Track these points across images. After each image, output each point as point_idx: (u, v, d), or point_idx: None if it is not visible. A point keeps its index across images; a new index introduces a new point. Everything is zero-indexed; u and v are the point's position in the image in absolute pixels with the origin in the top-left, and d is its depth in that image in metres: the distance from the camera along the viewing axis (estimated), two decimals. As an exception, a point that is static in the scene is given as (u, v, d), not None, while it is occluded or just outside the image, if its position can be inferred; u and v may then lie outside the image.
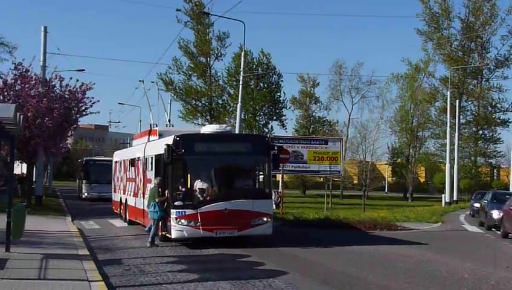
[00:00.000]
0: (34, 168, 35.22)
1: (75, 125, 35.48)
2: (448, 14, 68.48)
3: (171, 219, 18.37)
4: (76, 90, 32.19)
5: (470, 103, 70.46)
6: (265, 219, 19.01)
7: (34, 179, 35.75)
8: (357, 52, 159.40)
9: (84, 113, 33.40)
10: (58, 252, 16.11)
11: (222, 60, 61.60)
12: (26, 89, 30.72)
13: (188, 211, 18.25)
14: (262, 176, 20.20)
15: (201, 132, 20.62)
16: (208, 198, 18.62)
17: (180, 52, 59.47)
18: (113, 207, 30.98)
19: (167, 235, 19.00)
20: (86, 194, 46.43)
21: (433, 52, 70.32)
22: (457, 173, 54.82)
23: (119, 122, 79.97)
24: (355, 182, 73.99)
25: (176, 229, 18.28)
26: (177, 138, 18.60)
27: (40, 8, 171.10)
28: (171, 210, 18.40)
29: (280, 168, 29.24)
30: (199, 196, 18.62)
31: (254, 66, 62.32)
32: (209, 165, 19.36)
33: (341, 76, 73.43)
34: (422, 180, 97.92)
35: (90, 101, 32.85)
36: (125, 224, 26.40)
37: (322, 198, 40.65)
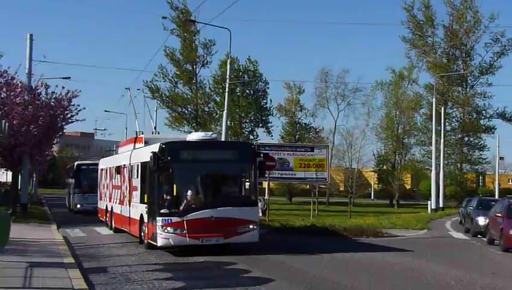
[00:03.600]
0: (20, 176, 34.98)
1: (60, 133, 35.30)
2: (432, 22, 68.79)
3: (157, 227, 18.28)
4: (62, 97, 32.04)
5: (455, 109, 70.71)
6: (251, 227, 19.00)
7: (19, 187, 35.50)
8: (343, 60, 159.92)
9: (69, 120, 33.23)
10: (43, 260, 16.01)
11: (208, 67, 61.59)
12: (12, 97, 30.54)
13: (174, 219, 18.14)
14: (248, 184, 19.98)
15: (187, 140, 20.54)
16: (193, 206, 18.53)
17: (166, 60, 59.46)
18: (99, 215, 30.69)
19: (153, 243, 18.89)
20: (78, 206, 39.42)
21: (417, 59, 70.69)
22: (443, 180, 54.99)
23: (105, 129, 79.26)
24: (341, 189, 74.27)
25: (162, 237, 18.18)
26: (163, 146, 18.58)
27: (26, 16, 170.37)
28: (157, 218, 18.30)
29: (266, 176, 29.18)
30: (185, 203, 18.51)
31: (241, 73, 62.44)
32: (195, 173, 19.28)
33: (327, 83, 73.78)
34: (408, 187, 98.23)
35: (76, 108, 32.72)
36: (111, 232, 26.26)
37: (308, 205, 40.67)
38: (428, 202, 53.74)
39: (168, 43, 67.62)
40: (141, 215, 20.53)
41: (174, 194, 18.56)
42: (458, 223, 36.33)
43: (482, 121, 70.24)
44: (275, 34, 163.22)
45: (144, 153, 20.49)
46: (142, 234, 20.49)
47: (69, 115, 32.85)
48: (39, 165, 49.85)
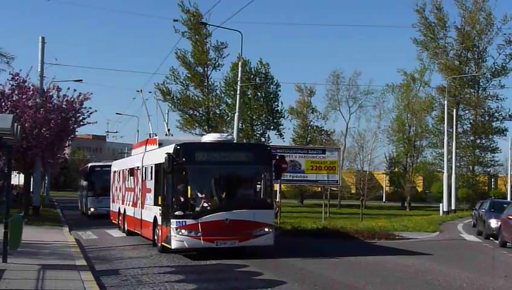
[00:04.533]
0: (32, 179, 35.14)
1: (72, 136, 35.39)
2: (444, 24, 68.65)
3: (171, 229, 18.06)
4: (74, 100, 32.16)
5: (467, 112, 70.51)
6: (266, 230, 18.73)
7: (31, 190, 35.67)
8: (355, 62, 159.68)
9: (81, 123, 33.34)
10: (56, 262, 16.05)
11: (220, 70, 61.65)
12: (24, 100, 30.69)
13: (189, 221, 17.91)
14: (263, 186, 19.64)
15: (202, 141, 20.30)
16: (208, 208, 18.29)
17: (177, 62, 59.54)
18: (111, 217, 30.52)
19: (167, 245, 18.71)
20: (92, 209, 38.12)
21: (429, 61, 70.57)
22: (455, 182, 54.81)
23: (116, 132, 79.62)
24: (353, 191, 73.95)
25: (176, 239, 17.97)
26: (178, 147, 18.38)
27: (38, 19, 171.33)
28: (171, 220, 18.09)
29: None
30: (200, 205, 18.31)
31: (252, 75, 62.42)
32: (210, 175, 18.97)
33: (338, 86, 73.65)
34: (420, 189, 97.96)
35: (88, 111, 32.82)
36: (123, 234, 26.31)
37: (320, 207, 40.61)
38: (440, 204, 53.61)
39: (180, 46, 67.52)
40: (155, 218, 20.37)
41: (189, 196, 18.40)
42: (471, 226, 36.13)
43: (494, 123, 69.95)
44: (286, 36, 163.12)
45: (158, 155, 20.34)
46: (156, 236, 20.35)
47: (80, 118, 32.94)
48: (51, 168, 49.94)
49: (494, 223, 27.97)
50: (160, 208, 19.72)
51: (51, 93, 32.34)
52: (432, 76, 72.07)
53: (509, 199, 58.83)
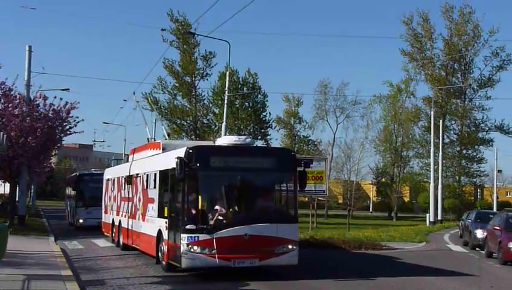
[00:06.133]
0: (17, 188, 34.93)
1: (59, 145, 35.23)
2: (431, 35, 69.01)
3: (182, 245, 15.78)
4: (60, 109, 32.06)
5: (453, 122, 70.82)
6: (290, 247, 16.52)
7: (17, 199, 35.44)
8: (343, 72, 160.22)
9: (68, 132, 33.22)
10: (41, 272, 15.95)
11: (207, 79, 61.61)
12: (10, 108, 30.55)
13: (202, 237, 15.69)
14: (287, 196, 17.73)
15: (217, 144, 18.10)
16: (224, 221, 16.07)
17: (165, 72, 59.46)
18: (104, 230, 28.75)
19: (175, 264, 16.60)
20: (81, 221, 36.12)
21: (416, 71, 70.90)
22: (442, 193, 54.97)
23: (103, 141, 79.54)
24: (340, 201, 74.18)
25: (188, 257, 15.72)
26: (190, 151, 16.12)
27: (24, 27, 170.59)
28: (182, 235, 15.86)
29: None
30: (215, 218, 16.12)
31: (240, 85, 62.43)
32: (226, 183, 16.81)
33: (326, 96, 73.83)
34: (406, 199, 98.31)
35: (75, 120, 32.72)
36: (110, 244, 26.02)
37: (307, 217, 40.56)
38: (427, 214, 53.74)
39: (168, 55, 67.47)
40: (159, 232, 18.14)
41: (202, 207, 16.38)
42: (458, 237, 36.21)
43: (480, 134, 70.28)
44: (274, 46, 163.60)
45: (163, 160, 18.58)
46: (160, 253, 18.13)
47: (67, 127, 32.84)
48: (37, 177, 49.61)
49: (480, 233, 28.11)
50: (166, 220, 17.49)
51: (37, 102, 32.21)
52: (417, 86, 72.49)
53: (495, 209, 59.02)
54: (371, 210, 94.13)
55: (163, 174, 18.41)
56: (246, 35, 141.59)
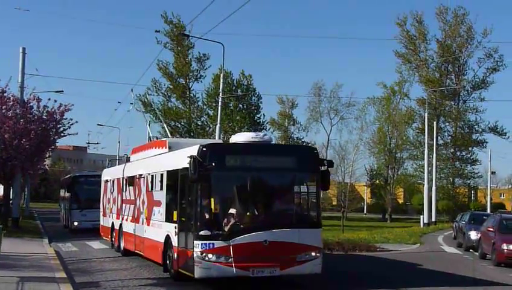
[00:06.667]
0: (11, 190, 34.82)
1: (53, 147, 35.12)
2: (425, 37, 69.21)
3: (195, 253, 14.34)
4: (54, 111, 31.97)
5: (447, 124, 70.99)
6: (313, 254, 15.12)
7: (10, 201, 35.33)
8: (337, 74, 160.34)
9: (62, 134, 33.10)
10: (35, 275, 15.91)
11: (202, 81, 61.63)
12: (3, 110, 30.47)
13: (217, 243, 14.23)
14: (309, 199, 16.24)
15: (233, 142, 16.47)
16: (242, 226, 14.70)
17: (159, 74, 59.43)
18: (102, 234, 27.79)
19: (186, 273, 15.15)
20: (76, 223, 35.50)
21: (410, 73, 71.12)
22: (436, 194, 55.07)
23: (97, 143, 79.20)
24: (334, 203, 74.14)
25: (202, 266, 14.26)
26: (204, 148, 14.67)
27: (18, 29, 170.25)
28: (195, 241, 14.40)
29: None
30: (231, 223, 14.66)
31: (234, 87, 62.41)
32: (244, 184, 15.27)
33: (320, 97, 73.85)
34: (400, 201, 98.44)
35: (69, 122, 32.60)
36: (104, 246, 25.92)
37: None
38: (421, 216, 53.83)
39: (161, 57, 67.43)
40: (167, 237, 16.81)
41: (217, 210, 14.93)
42: (452, 238, 36.31)
43: (473, 136, 70.46)
44: (268, 48, 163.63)
45: (172, 160, 17.40)
46: (168, 261, 16.81)
47: (61, 129, 32.71)
48: (31, 179, 49.58)
49: (474, 235, 28.21)
50: (175, 225, 16.09)
51: (31, 104, 32.11)
52: (411, 88, 72.71)
53: (489, 211, 59.12)
54: (365, 212, 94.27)
55: (172, 174, 17.02)
56: (240, 37, 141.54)
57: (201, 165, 14.18)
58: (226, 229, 14.45)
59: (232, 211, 14.80)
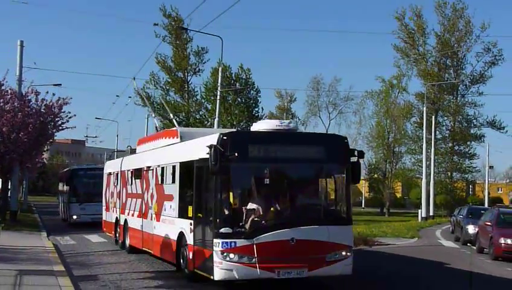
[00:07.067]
0: (9, 183, 34.84)
1: (51, 140, 35.14)
2: (423, 31, 69.11)
3: (215, 253, 13.09)
4: (52, 104, 31.96)
5: (445, 118, 70.99)
6: (344, 253, 13.80)
7: (9, 194, 35.34)
8: (335, 68, 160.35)
9: (60, 128, 33.11)
10: (33, 268, 15.91)
11: (200, 75, 61.61)
12: (1, 104, 30.45)
13: (240, 242, 12.96)
14: (339, 193, 14.79)
15: (256, 130, 14.78)
16: (266, 223, 13.46)
17: (157, 67, 59.38)
18: (105, 229, 26.54)
19: (204, 274, 13.92)
20: (75, 217, 35.05)
21: (409, 67, 71.10)
22: (434, 189, 55.13)
23: (96, 137, 79.22)
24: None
25: (222, 267, 12.99)
26: (225, 137, 13.26)
27: (16, 22, 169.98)
28: (215, 240, 13.13)
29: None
30: (255, 220, 13.39)
31: (233, 81, 62.40)
32: (268, 176, 13.80)
33: (319, 91, 73.86)
34: (399, 195, 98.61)
35: (67, 116, 32.61)
36: (103, 239, 25.90)
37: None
38: (419, 210, 53.91)
39: (160, 50, 67.39)
40: (180, 234, 15.51)
41: (239, 205, 13.71)
42: (450, 232, 36.33)
43: (472, 130, 70.46)
44: (267, 42, 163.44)
45: (185, 150, 16.17)
46: (182, 260, 15.53)
47: (59, 122, 32.71)
48: (29, 173, 49.53)
49: (471, 229, 28.26)
50: (191, 221, 14.72)
51: (29, 97, 32.08)
52: (409, 82, 72.66)
53: (486, 205, 59.25)
54: (363, 206, 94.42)
55: (186, 166, 15.59)
56: (238, 31, 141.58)
57: (223, 155, 12.87)
58: (249, 226, 13.23)
59: (255, 206, 13.55)
